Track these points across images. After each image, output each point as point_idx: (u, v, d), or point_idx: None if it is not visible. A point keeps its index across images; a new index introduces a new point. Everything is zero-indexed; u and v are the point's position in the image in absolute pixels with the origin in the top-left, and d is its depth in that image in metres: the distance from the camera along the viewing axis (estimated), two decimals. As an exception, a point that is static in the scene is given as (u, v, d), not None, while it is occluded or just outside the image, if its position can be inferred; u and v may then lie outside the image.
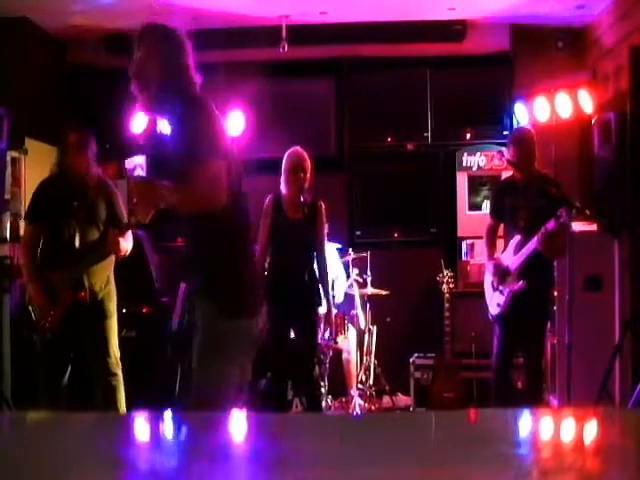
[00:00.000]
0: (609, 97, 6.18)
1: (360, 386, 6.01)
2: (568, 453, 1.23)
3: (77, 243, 4.37)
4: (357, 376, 6.05)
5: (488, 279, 4.97)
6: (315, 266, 5.02)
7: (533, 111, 6.38)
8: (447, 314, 5.86)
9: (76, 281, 4.34)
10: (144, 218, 2.88)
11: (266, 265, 5.04)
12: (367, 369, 6.09)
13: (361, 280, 6.17)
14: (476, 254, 6.60)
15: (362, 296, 6.15)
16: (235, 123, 6.54)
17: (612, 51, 6.18)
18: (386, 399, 6.18)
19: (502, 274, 4.82)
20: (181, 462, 1.18)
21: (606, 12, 6.30)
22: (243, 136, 6.54)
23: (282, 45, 6.50)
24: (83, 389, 4.60)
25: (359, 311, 6.10)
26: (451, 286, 5.91)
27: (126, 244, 4.42)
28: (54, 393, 4.39)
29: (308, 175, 4.98)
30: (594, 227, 5.10)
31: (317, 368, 5.13)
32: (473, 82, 6.92)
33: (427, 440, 1.36)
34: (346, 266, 6.23)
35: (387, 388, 6.12)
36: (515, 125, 6.61)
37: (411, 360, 6.10)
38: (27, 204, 4.75)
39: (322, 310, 5.14)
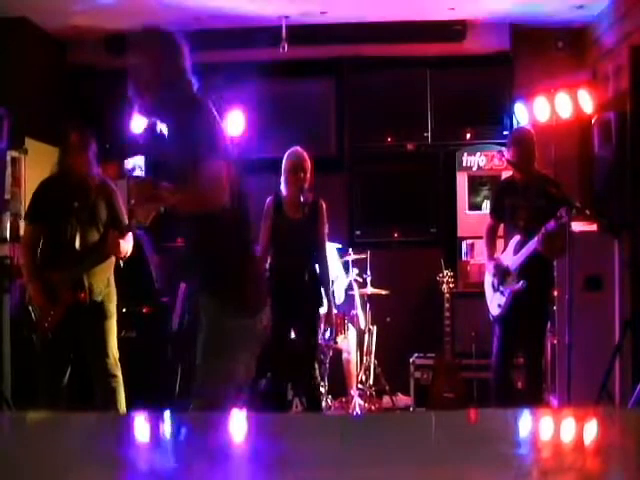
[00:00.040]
0: (609, 97, 6.19)
1: (360, 386, 6.01)
2: (568, 453, 1.23)
3: (77, 244, 4.37)
4: (357, 376, 6.05)
5: (488, 279, 4.97)
6: (316, 266, 5.01)
7: (533, 111, 6.38)
8: (447, 314, 5.85)
9: (76, 282, 4.34)
10: (144, 220, 2.90)
11: (267, 266, 5.03)
12: (367, 369, 6.09)
13: (361, 280, 6.18)
14: (476, 254, 6.60)
15: (362, 296, 6.15)
16: (235, 123, 6.54)
17: (612, 51, 6.18)
18: (386, 399, 6.18)
19: (502, 274, 4.82)
20: (181, 462, 1.18)
21: (606, 12, 6.30)
22: (243, 136, 6.54)
23: (282, 45, 6.50)
24: (83, 389, 4.60)
25: (359, 311, 6.10)
26: (451, 286, 5.90)
27: (126, 246, 4.42)
28: (54, 393, 4.39)
29: (308, 175, 4.98)
30: (594, 227, 5.10)
31: (317, 368, 5.12)
32: (473, 82, 6.92)
33: (427, 440, 1.36)
34: (345, 266, 6.23)
35: (387, 388, 6.12)
36: (515, 125, 6.61)
37: (411, 360, 6.10)
38: (27, 204, 4.75)
39: (322, 310, 5.14)
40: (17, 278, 5.11)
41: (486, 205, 6.47)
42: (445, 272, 5.94)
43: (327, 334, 5.45)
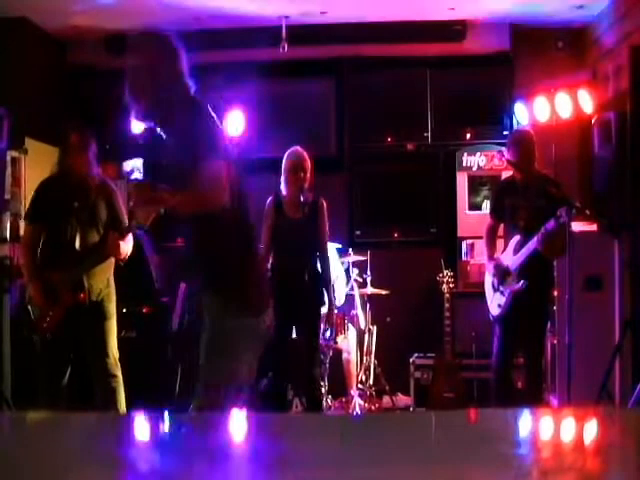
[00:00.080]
0: (609, 97, 6.18)
1: (360, 386, 6.01)
2: (568, 453, 1.23)
3: (77, 244, 4.37)
4: (357, 376, 6.05)
5: (488, 279, 4.97)
6: (318, 265, 5.01)
7: (533, 111, 6.37)
8: (447, 314, 5.86)
9: (76, 282, 4.34)
10: (144, 221, 2.90)
11: (268, 266, 5.03)
12: (367, 369, 6.09)
13: (361, 280, 6.18)
14: (476, 254, 6.60)
15: (362, 296, 6.15)
16: (235, 123, 6.54)
17: (612, 51, 6.18)
18: (386, 399, 6.18)
19: (502, 274, 4.82)
20: (181, 462, 1.18)
21: (606, 12, 6.30)
22: (243, 136, 6.54)
23: (282, 45, 6.50)
24: (83, 389, 4.60)
25: (359, 311, 6.10)
26: (451, 286, 5.91)
27: (126, 247, 4.42)
28: (54, 393, 4.39)
29: (308, 175, 4.98)
30: (594, 227, 5.10)
31: (317, 368, 5.12)
32: (473, 82, 6.92)
33: (427, 440, 1.36)
34: (345, 267, 6.23)
35: (387, 388, 6.12)
36: (515, 125, 6.62)
37: (411, 360, 6.10)
38: (27, 204, 4.75)
39: (324, 309, 5.14)
40: (17, 278, 5.11)
41: (486, 205, 6.47)
42: (445, 272, 5.95)
43: (327, 334, 5.45)
